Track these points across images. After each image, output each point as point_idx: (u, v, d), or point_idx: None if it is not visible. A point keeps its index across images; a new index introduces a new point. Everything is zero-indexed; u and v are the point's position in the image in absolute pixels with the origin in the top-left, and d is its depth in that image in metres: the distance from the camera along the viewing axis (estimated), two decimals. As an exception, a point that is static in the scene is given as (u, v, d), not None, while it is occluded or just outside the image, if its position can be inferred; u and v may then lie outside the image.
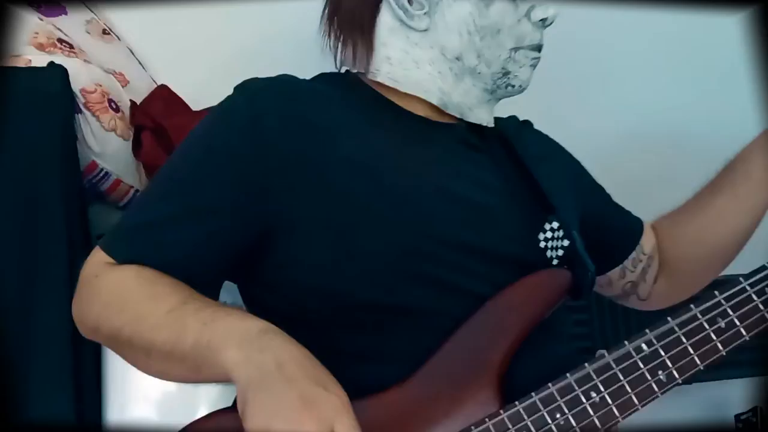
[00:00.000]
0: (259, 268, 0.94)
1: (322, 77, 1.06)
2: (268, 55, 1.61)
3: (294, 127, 0.93)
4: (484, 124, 1.05)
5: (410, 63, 1.02)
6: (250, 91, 0.96)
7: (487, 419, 0.87)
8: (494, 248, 0.95)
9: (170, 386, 1.22)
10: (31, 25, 1.39)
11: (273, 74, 1.59)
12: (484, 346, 0.90)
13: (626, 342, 0.92)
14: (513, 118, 1.17)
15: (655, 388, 0.90)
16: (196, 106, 1.55)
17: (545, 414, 0.87)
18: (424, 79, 1.02)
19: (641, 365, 0.91)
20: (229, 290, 0.99)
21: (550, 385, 0.89)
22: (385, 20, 1.02)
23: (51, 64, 1.30)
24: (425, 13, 1.00)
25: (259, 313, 0.92)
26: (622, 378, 0.90)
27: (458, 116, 1.04)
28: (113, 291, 0.89)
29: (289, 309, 0.93)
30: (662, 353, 0.91)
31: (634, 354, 0.91)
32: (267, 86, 0.97)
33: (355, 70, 1.07)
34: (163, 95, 1.53)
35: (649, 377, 0.90)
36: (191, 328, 0.83)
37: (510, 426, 0.87)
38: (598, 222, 1.12)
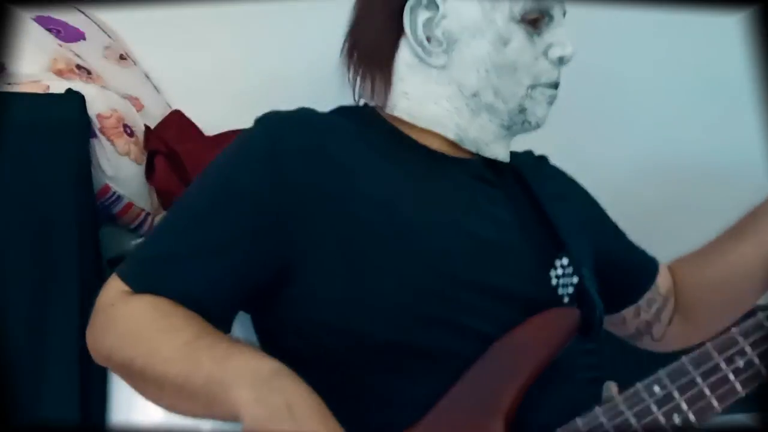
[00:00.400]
0: (274, 302, 0.95)
1: (341, 110, 1.07)
2: (283, 83, 1.64)
3: (312, 161, 0.94)
4: (500, 159, 1.06)
5: (427, 99, 1.03)
6: (269, 124, 0.98)
7: None
8: (506, 287, 0.95)
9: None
10: (50, 52, 1.42)
11: (287, 102, 1.61)
12: (492, 389, 0.89)
13: (638, 383, 0.89)
14: (529, 153, 1.18)
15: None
16: (209, 131, 1.57)
17: None
18: (440, 114, 1.03)
19: (654, 409, 0.88)
20: (242, 322, 1.00)
21: (558, 430, 0.87)
22: (404, 56, 1.04)
23: (69, 90, 1.32)
24: (443, 51, 1.02)
25: (270, 347, 0.94)
26: (634, 422, 0.87)
27: (474, 151, 1.05)
28: (128, 321, 0.90)
29: (300, 345, 0.94)
30: (677, 395, 0.89)
31: (646, 397, 0.89)
32: (286, 120, 0.98)
33: (372, 104, 1.08)
34: (177, 120, 1.55)
35: (663, 421, 0.88)
36: (204, 364, 0.83)
37: None
38: (612, 260, 1.13)
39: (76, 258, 1.28)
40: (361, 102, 1.09)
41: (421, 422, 0.87)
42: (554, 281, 0.99)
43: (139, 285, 0.92)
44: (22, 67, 1.35)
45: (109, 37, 1.60)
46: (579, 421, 0.87)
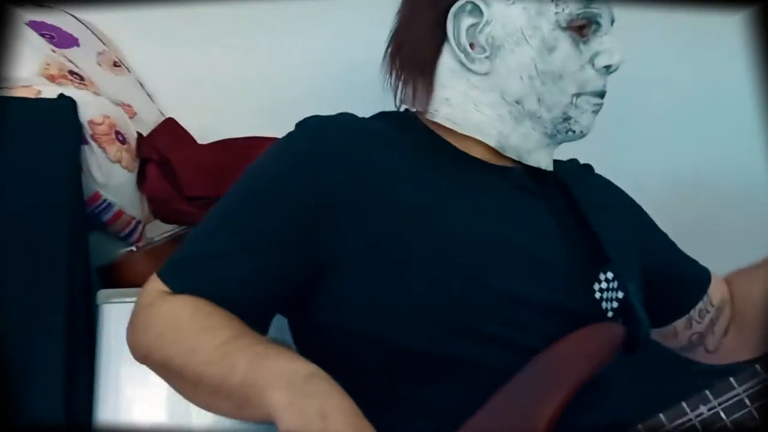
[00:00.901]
0: (309, 306, 0.95)
1: (381, 116, 1.07)
2: (278, 92, 1.64)
3: (351, 167, 0.94)
4: (543, 168, 1.04)
5: (469, 105, 1.02)
6: (310, 128, 0.99)
7: None
8: (546, 300, 0.94)
9: (163, 389, 1.23)
10: (43, 57, 1.40)
11: (282, 109, 1.63)
12: (533, 402, 0.87)
13: (683, 403, 0.88)
14: (574, 161, 1.17)
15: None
16: (202, 139, 1.57)
17: None
18: (482, 121, 1.02)
19: (700, 430, 0.86)
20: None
21: (640, 426, 0.86)
22: (447, 62, 1.03)
23: (61, 95, 1.31)
24: (487, 57, 1.01)
25: (305, 351, 0.94)
26: (725, 417, 0.86)
27: (516, 159, 1.03)
28: (167, 321, 0.91)
29: (334, 350, 0.94)
30: (723, 416, 0.87)
31: (693, 419, 0.87)
32: (327, 124, 0.99)
33: (413, 110, 1.08)
34: (170, 128, 1.54)
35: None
36: (240, 365, 0.84)
37: None
38: (662, 271, 1.11)
39: (66, 264, 1.27)
40: (402, 108, 1.09)
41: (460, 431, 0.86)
42: (598, 295, 0.97)
43: (177, 285, 0.92)
44: (14, 72, 1.34)
45: (103, 43, 1.59)
46: None
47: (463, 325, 0.90)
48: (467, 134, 1.03)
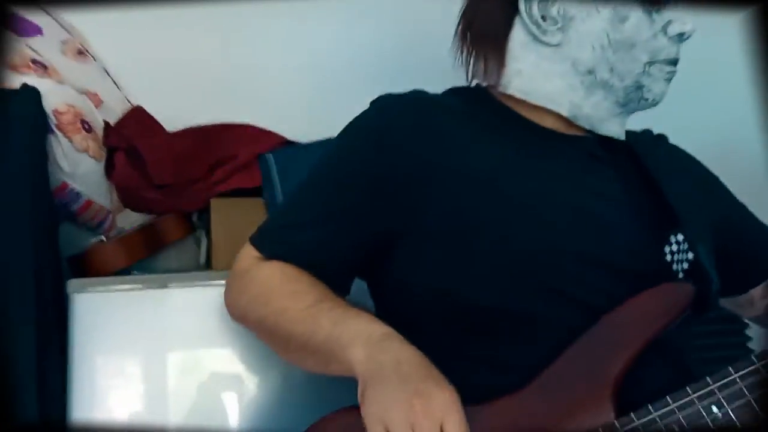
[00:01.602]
0: (386, 269, 1.02)
1: (453, 91, 1.11)
2: (248, 78, 1.62)
3: (421, 137, 1.00)
4: (615, 137, 1.06)
5: (541, 76, 1.04)
6: (381, 104, 1.04)
7: (600, 429, 0.87)
8: (615, 261, 0.96)
9: (139, 380, 1.24)
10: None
11: (246, 97, 1.62)
12: (601, 359, 0.90)
13: (753, 355, 0.89)
14: (648, 132, 1.18)
15: None
16: (171, 127, 1.55)
17: (662, 426, 0.86)
18: (554, 91, 1.04)
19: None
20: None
21: (668, 397, 0.88)
22: (518, 36, 1.05)
23: (24, 85, 1.29)
24: (558, 29, 1.03)
25: (384, 313, 1.01)
26: (747, 393, 0.87)
27: (588, 128, 1.05)
28: (260, 285, 1.01)
29: (410, 310, 1.00)
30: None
31: (762, 369, 0.88)
32: (398, 100, 1.04)
33: (485, 84, 1.10)
34: (138, 116, 1.52)
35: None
36: (324, 325, 0.93)
37: (620, 429, 0.86)
38: (736, 238, 1.12)
39: (32, 255, 1.25)
40: (473, 83, 1.11)
41: (530, 385, 0.91)
42: (669, 257, 0.99)
43: (268, 252, 1.03)
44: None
45: (67, 31, 1.56)
46: (689, 389, 0.88)
47: (533, 282, 0.95)
48: (539, 104, 1.05)
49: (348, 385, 0.94)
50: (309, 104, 1.64)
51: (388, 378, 0.86)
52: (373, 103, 1.05)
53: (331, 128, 1.53)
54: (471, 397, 0.88)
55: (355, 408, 0.88)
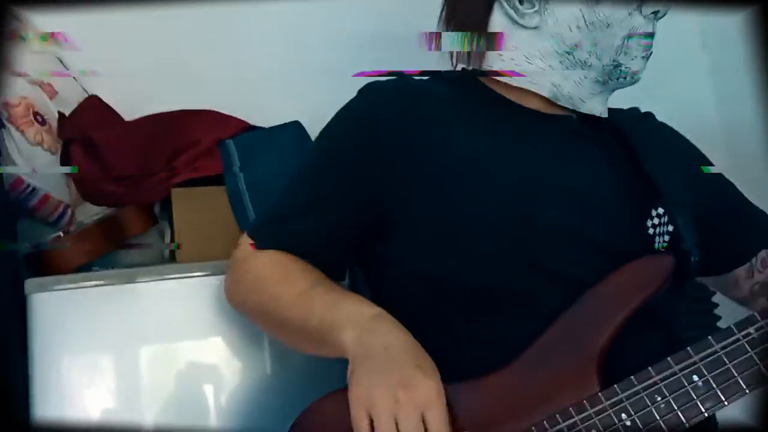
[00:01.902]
0: (378, 254, 1.04)
1: (438, 75, 1.13)
2: (206, 63, 1.58)
3: (407, 122, 1.02)
4: (597, 115, 1.08)
5: (521, 59, 1.07)
6: (368, 91, 1.07)
7: (585, 401, 0.89)
8: (600, 237, 0.99)
9: (102, 378, 1.21)
10: (-51, 38, 1.33)
11: (208, 84, 1.58)
12: (585, 332, 0.93)
13: (732, 326, 0.91)
14: (635, 110, 1.20)
15: (765, 372, 0.88)
16: (130, 116, 1.50)
17: (645, 397, 0.88)
18: (535, 73, 1.06)
19: (749, 348, 0.89)
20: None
21: (650, 369, 0.90)
22: (497, 20, 1.08)
23: (-30, 78, 1.25)
24: (535, 11, 1.05)
25: (379, 299, 1.02)
26: (728, 362, 0.89)
27: (570, 108, 1.08)
28: (256, 274, 1.04)
29: (402, 294, 1.02)
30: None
31: (741, 338, 0.90)
32: (383, 87, 1.07)
33: (469, 68, 1.12)
34: (94, 106, 1.47)
35: (759, 360, 0.89)
36: (317, 310, 0.96)
37: (609, 408, 0.89)
38: (722, 217, 1.13)
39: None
40: (459, 67, 1.14)
41: (515, 361, 0.93)
42: (651, 231, 1.02)
43: (262, 243, 1.05)
44: None
45: (18, 20, 1.51)
46: (671, 360, 0.90)
47: (520, 261, 0.97)
48: (521, 86, 1.07)
49: (330, 373, 0.98)
50: (275, 88, 1.60)
51: (375, 361, 0.88)
52: (360, 91, 1.07)
53: (298, 112, 1.55)
54: (461, 374, 0.91)
55: (346, 390, 0.90)
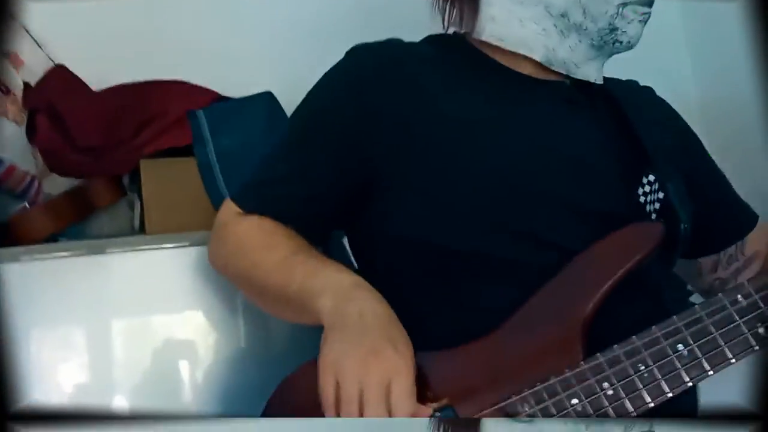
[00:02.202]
0: (362, 219, 1.04)
1: (429, 39, 1.12)
2: (176, 32, 1.56)
3: (395, 84, 1.01)
4: (592, 81, 1.05)
5: (515, 21, 1.04)
6: (355, 55, 1.05)
7: (567, 370, 0.88)
8: (589, 204, 0.98)
9: (77, 353, 1.19)
10: None
11: (177, 51, 1.56)
12: (570, 300, 0.92)
13: (720, 294, 0.90)
14: (633, 82, 1.19)
15: (752, 342, 0.87)
16: (99, 86, 1.46)
17: (628, 366, 0.88)
18: (528, 36, 1.04)
19: (737, 317, 0.88)
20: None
21: (634, 337, 0.89)
22: None
23: (-70, 46, 1.22)
24: None
25: (362, 263, 1.06)
26: (714, 330, 0.88)
27: (564, 73, 1.05)
28: (237, 239, 1.04)
29: (388, 259, 1.02)
30: (762, 305, 0.89)
31: (728, 306, 0.89)
32: (371, 50, 1.05)
33: (462, 32, 1.11)
34: (60, 76, 1.43)
35: (746, 330, 0.88)
36: (297, 276, 0.96)
37: (590, 376, 0.88)
38: (701, 202, 1.09)
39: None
40: (451, 30, 1.12)
41: (501, 327, 0.92)
42: (642, 198, 1.00)
43: (246, 207, 1.05)
44: None
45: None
46: (656, 328, 0.89)
47: (506, 225, 0.96)
48: (513, 50, 1.05)
49: (307, 345, 0.96)
50: (248, 59, 1.59)
51: (348, 329, 0.89)
52: (348, 53, 1.05)
53: (271, 83, 1.53)
54: (443, 340, 0.92)
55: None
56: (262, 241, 1.02)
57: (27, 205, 1.29)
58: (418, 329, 0.91)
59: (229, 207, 1.07)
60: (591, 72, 1.06)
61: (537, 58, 1.04)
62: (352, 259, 1.13)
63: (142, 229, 1.33)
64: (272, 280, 0.99)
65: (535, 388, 0.89)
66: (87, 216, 1.34)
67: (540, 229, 0.96)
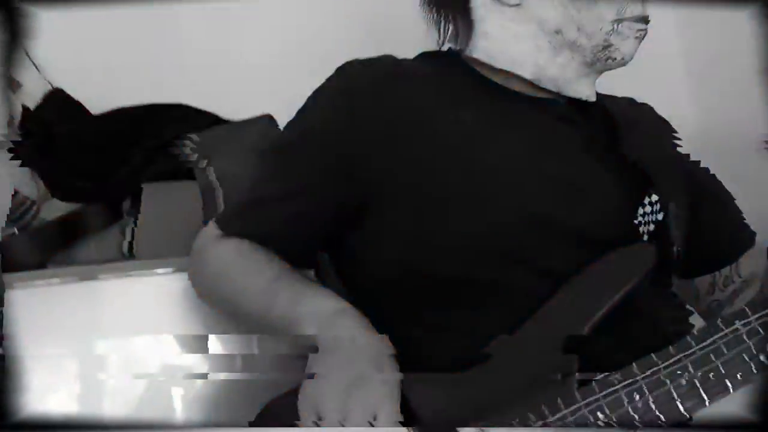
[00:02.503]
0: (350, 241, 1.01)
1: (423, 56, 1.10)
2: (176, 56, 1.57)
3: (387, 106, 0.98)
4: (584, 99, 1.03)
5: (509, 38, 1.03)
6: (346, 72, 1.02)
7: (559, 399, 0.87)
8: (585, 228, 0.96)
9: (64, 378, 1.19)
10: None
11: (177, 74, 1.56)
12: (564, 324, 0.90)
13: (719, 321, 0.88)
14: (630, 99, 1.17)
15: (754, 369, 0.86)
16: (98, 109, 1.46)
17: (623, 396, 0.86)
18: (519, 54, 1.03)
19: (736, 344, 0.87)
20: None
21: (634, 365, 0.87)
22: None
23: (-75, 72, 1.21)
24: None
25: (346, 284, 1.03)
26: (714, 359, 0.86)
27: (555, 91, 1.04)
28: (218, 263, 1.02)
29: (374, 282, 1.00)
30: (761, 331, 0.87)
31: (729, 334, 0.87)
32: (363, 67, 1.02)
33: (457, 47, 1.10)
34: (58, 99, 1.44)
35: (748, 358, 0.86)
36: (279, 304, 0.95)
37: (583, 408, 0.86)
38: (694, 223, 1.07)
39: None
40: (446, 47, 1.11)
41: (492, 355, 0.90)
42: (639, 219, 0.98)
43: (227, 229, 1.03)
44: None
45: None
46: (654, 356, 0.87)
47: (500, 251, 0.94)
48: (503, 68, 1.04)
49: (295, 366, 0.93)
50: (250, 83, 1.58)
51: (331, 359, 0.87)
52: (339, 69, 1.03)
53: (273, 107, 1.52)
54: (434, 365, 0.90)
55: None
56: (243, 267, 0.99)
57: (16, 231, 1.28)
58: (408, 354, 0.90)
59: (209, 230, 1.05)
60: (583, 89, 1.04)
61: (526, 75, 1.03)
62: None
63: (130, 254, 1.32)
64: (254, 307, 0.97)
65: (526, 419, 0.87)
66: (76, 242, 1.33)
67: (534, 254, 0.94)
